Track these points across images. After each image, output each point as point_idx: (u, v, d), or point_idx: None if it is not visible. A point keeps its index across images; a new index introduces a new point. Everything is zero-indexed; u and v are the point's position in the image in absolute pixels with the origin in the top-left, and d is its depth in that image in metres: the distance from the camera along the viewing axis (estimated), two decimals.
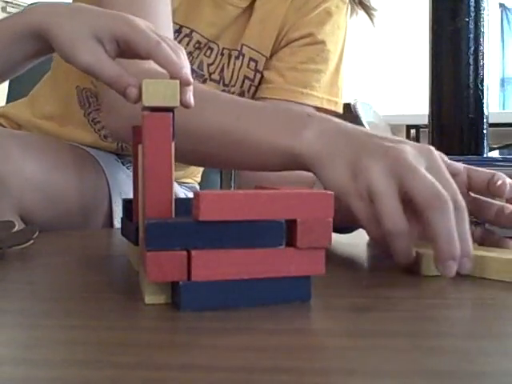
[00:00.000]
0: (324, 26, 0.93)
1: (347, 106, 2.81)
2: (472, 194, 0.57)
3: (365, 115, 3.08)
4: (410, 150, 0.51)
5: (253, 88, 0.95)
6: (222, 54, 0.94)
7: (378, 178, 0.49)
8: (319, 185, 0.66)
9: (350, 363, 0.30)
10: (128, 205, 0.54)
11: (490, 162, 0.70)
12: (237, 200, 0.37)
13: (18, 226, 0.60)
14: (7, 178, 0.74)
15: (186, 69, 0.52)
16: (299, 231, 0.38)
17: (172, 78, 0.51)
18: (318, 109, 0.93)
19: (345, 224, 0.68)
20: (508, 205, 0.55)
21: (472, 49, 1.10)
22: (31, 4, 0.97)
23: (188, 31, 0.90)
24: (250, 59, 0.94)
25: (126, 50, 0.56)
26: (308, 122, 0.58)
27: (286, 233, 0.39)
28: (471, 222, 0.58)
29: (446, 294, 0.46)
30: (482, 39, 1.11)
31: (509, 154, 3.51)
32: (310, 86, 0.92)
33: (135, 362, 0.29)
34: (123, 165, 0.96)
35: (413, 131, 3.49)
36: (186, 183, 1.13)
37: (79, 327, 0.35)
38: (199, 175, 1.17)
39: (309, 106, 0.92)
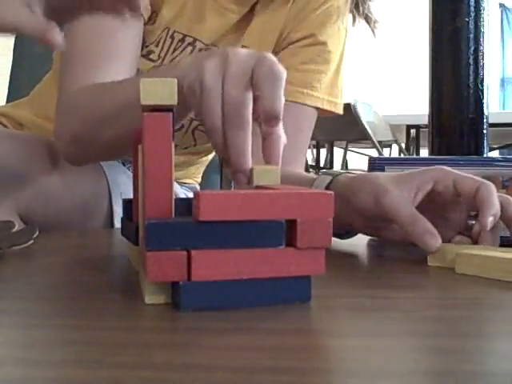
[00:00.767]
0: (325, 27, 0.93)
1: (347, 106, 2.81)
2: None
3: (365, 115, 3.09)
4: (243, 51, 0.53)
5: None
6: None
7: (207, 73, 0.51)
8: (319, 185, 0.66)
9: (350, 363, 0.30)
10: (128, 205, 0.54)
11: (490, 162, 0.70)
12: (237, 200, 0.37)
13: (18, 226, 0.60)
14: (7, 178, 0.74)
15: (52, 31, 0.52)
16: (299, 231, 0.38)
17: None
18: (319, 109, 0.93)
19: (344, 229, 0.68)
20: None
21: (472, 49, 1.10)
22: None
23: (191, 40, 0.90)
24: None
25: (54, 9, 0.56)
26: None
27: (286, 233, 0.39)
28: (471, 216, 0.59)
29: (446, 294, 0.46)
30: (482, 39, 1.11)
31: (509, 154, 3.51)
32: (310, 87, 0.92)
33: (135, 361, 0.29)
34: (124, 165, 0.96)
35: (413, 131, 3.49)
36: (187, 183, 1.13)
37: (79, 327, 0.35)
38: (200, 175, 1.17)
39: (310, 106, 0.92)
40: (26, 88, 1.09)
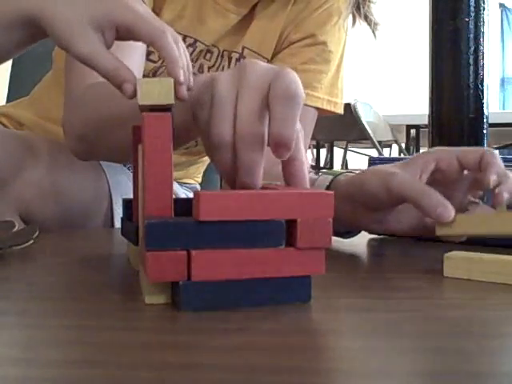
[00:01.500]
0: (325, 27, 0.93)
1: (347, 106, 2.81)
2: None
3: (365, 115, 3.09)
4: (262, 64, 0.47)
5: None
6: (222, 56, 0.94)
7: (221, 83, 0.46)
8: (320, 184, 0.66)
9: (350, 363, 0.30)
10: (128, 205, 0.54)
11: None
12: (237, 200, 0.37)
13: (18, 225, 0.60)
14: (8, 178, 0.74)
15: (181, 68, 0.51)
16: (299, 231, 0.38)
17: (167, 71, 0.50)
18: (319, 109, 0.94)
19: (345, 228, 0.68)
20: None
21: (472, 49, 1.10)
22: None
23: (192, 41, 0.90)
24: None
25: (125, 36, 0.54)
26: None
27: (286, 233, 0.39)
28: (470, 202, 0.60)
29: (446, 294, 0.46)
30: (482, 39, 1.11)
31: (509, 154, 3.51)
32: (311, 87, 0.92)
33: (135, 362, 0.29)
34: (124, 165, 0.96)
35: (413, 131, 3.49)
36: (187, 183, 1.13)
37: (79, 327, 0.35)
38: (200, 175, 1.17)
39: (310, 106, 0.92)
40: (26, 88, 1.09)
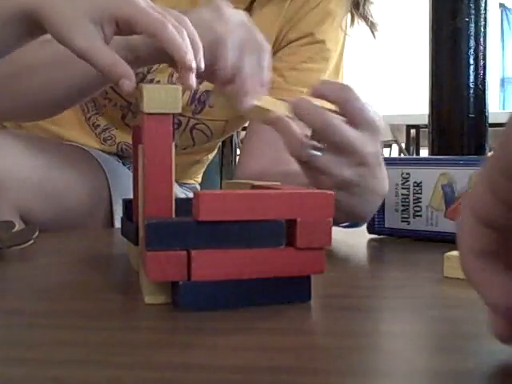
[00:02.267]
0: (324, 26, 0.93)
1: None
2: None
3: None
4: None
5: None
6: None
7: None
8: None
9: (349, 363, 0.30)
10: (128, 205, 0.54)
11: None
12: (237, 200, 0.37)
13: (18, 225, 0.60)
14: (8, 178, 0.74)
15: (190, 54, 0.51)
16: (299, 231, 0.38)
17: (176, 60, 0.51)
18: None
19: (345, 220, 0.68)
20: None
21: (472, 49, 1.10)
22: None
23: None
24: None
25: (125, 29, 0.54)
26: None
27: (286, 233, 0.39)
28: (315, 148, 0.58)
29: (446, 294, 0.46)
30: (482, 39, 1.11)
31: None
32: (310, 86, 0.92)
33: (135, 362, 0.29)
34: (124, 165, 0.96)
35: (413, 131, 3.49)
36: (187, 183, 1.13)
37: (79, 327, 0.35)
38: (200, 175, 1.17)
39: None
40: None
